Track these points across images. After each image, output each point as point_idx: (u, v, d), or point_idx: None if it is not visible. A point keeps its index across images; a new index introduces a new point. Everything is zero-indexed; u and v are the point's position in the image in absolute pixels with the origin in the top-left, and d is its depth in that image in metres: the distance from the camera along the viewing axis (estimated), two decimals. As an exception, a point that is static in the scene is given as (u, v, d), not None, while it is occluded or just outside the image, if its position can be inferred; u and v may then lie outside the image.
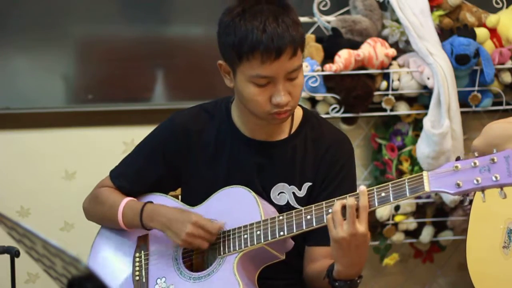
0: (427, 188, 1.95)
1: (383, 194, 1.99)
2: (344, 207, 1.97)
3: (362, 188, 1.98)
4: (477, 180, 1.90)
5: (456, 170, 1.92)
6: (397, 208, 3.30)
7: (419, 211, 3.36)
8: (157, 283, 2.23)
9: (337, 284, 2.06)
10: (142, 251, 2.29)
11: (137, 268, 2.28)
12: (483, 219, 2.54)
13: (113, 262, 2.32)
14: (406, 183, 1.97)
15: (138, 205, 2.26)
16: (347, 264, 2.01)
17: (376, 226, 3.31)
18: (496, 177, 1.88)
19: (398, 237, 3.36)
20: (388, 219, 3.31)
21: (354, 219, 1.95)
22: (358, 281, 2.07)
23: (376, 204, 1.99)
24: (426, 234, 3.37)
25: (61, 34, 3.34)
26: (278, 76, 2.07)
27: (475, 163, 1.91)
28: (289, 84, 2.10)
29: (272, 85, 2.09)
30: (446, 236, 3.41)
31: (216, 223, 2.16)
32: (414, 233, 3.39)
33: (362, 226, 1.96)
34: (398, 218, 3.32)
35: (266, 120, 2.16)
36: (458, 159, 1.96)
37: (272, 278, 2.24)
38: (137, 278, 2.26)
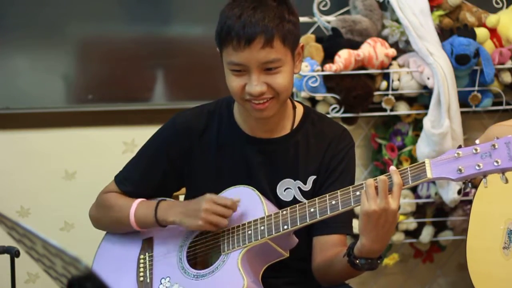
0: (429, 175, 1.98)
1: (387, 183, 2.01)
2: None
3: (393, 167, 2.02)
4: (479, 166, 1.94)
5: (458, 157, 1.96)
6: (397, 208, 3.29)
7: (419, 211, 3.36)
8: (161, 283, 2.23)
9: (357, 261, 2.06)
10: (147, 253, 2.30)
11: (141, 269, 2.28)
12: (483, 220, 2.54)
13: (117, 264, 2.32)
14: (409, 171, 2.01)
15: (151, 203, 2.28)
16: (373, 239, 2.02)
17: (376, 226, 3.30)
18: (497, 162, 1.92)
19: (398, 237, 3.36)
20: (388, 219, 3.30)
21: (386, 194, 1.98)
22: (378, 261, 2.08)
23: None
24: (426, 234, 3.37)
25: (61, 34, 3.34)
26: (250, 64, 2.10)
27: (476, 150, 1.95)
28: (266, 75, 2.12)
29: (247, 74, 2.12)
30: (446, 236, 3.41)
31: (230, 198, 2.16)
32: (414, 233, 3.39)
33: (394, 203, 1.99)
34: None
35: (248, 111, 2.19)
36: (459, 147, 1.99)
37: (273, 277, 2.25)
38: (141, 279, 2.26)
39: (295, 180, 2.26)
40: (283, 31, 2.10)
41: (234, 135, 2.28)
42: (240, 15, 2.08)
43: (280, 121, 2.27)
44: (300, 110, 2.32)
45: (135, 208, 2.28)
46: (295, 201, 2.24)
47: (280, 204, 2.24)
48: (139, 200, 2.30)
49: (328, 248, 2.22)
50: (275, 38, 2.09)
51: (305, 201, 2.18)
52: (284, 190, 2.27)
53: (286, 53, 2.13)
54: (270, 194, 2.25)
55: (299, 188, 2.26)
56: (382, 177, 2.00)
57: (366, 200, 2.00)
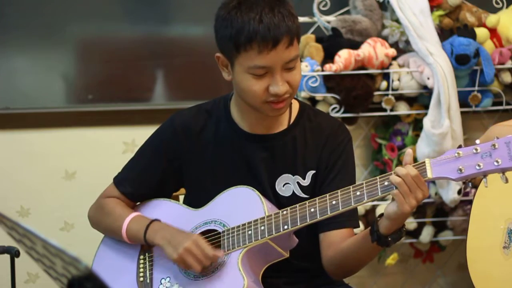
0: (429, 174, 1.99)
1: (386, 183, 2.02)
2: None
3: (409, 150, 2.02)
4: (479, 165, 1.94)
5: (458, 156, 1.97)
6: (397, 208, 3.29)
7: (419, 211, 3.36)
8: (161, 283, 2.23)
9: (389, 238, 2.07)
10: (146, 253, 2.30)
11: (141, 270, 2.28)
12: (483, 219, 2.54)
13: (117, 265, 2.32)
14: None
15: (145, 220, 2.27)
16: (403, 219, 2.04)
17: (376, 226, 3.30)
18: (497, 162, 1.93)
19: (398, 237, 3.36)
20: (388, 219, 3.30)
21: (422, 182, 1.99)
22: (404, 229, 2.09)
23: (380, 193, 2.02)
24: (426, 234, 3.37)
25: (61, 34, 3.34)
26: (275, 66, 2.10)
27: (476, 150, 1.96)
28: (287, 74, 2.13)
29: (269, 75, 2.12)
30: (446, 236, 3.41)
31: (216, 250, 2.15)
32: (414, 233, 3.39)
33: (425, 190, 1.99)
34: (398, 218, 3.31)
35: (264, 112, 2.18)
36: (460, 147, 1.98)
37: (273, 277, 2.25)
38: (141, 279, 2.26)
39: (294, 175, 2.27)
40: (297, 27, 2.14)
41: (232, 133, 2.29)
42: (260, 18, 2.07)
43: (277, 117, 2.27)
44: (296, 106, 2.33)
45: (128, 222, 2.28)
46: (294, 196, 2.25)
47: (279, 199, 2.25)
48: (133, 214, 2.30)
49: (338, 242, 2.22)
50: (295, 36, 2.12)
51: (304, 196, 2.19)
52: (283, 186, 2.27)
53: (298, 49, 2.16)
54: (269, 190, 2.26)
55: (298, 183, 2.27)
56: (412, 171, 1.97)
57: (403, 199, 1.99)
